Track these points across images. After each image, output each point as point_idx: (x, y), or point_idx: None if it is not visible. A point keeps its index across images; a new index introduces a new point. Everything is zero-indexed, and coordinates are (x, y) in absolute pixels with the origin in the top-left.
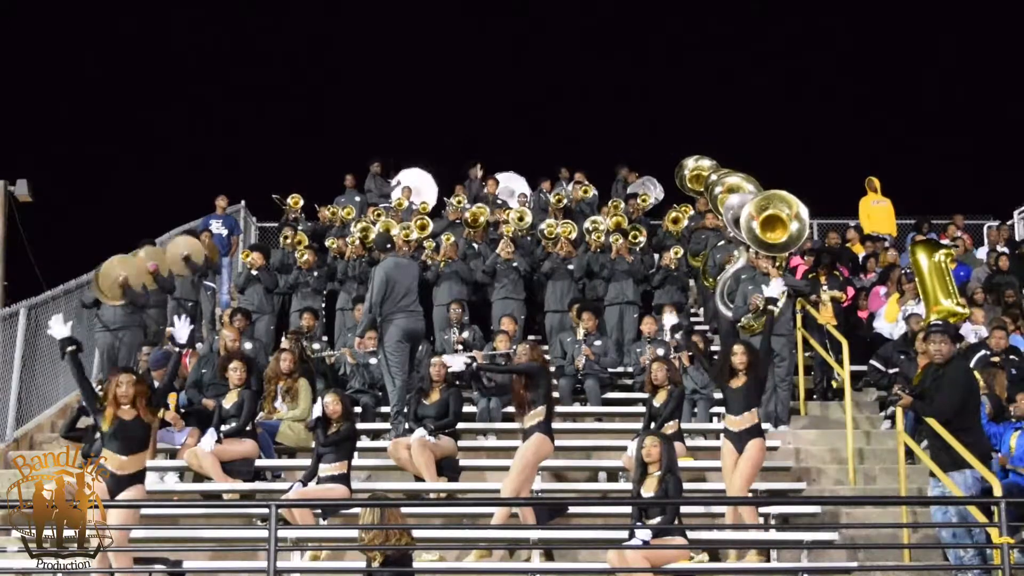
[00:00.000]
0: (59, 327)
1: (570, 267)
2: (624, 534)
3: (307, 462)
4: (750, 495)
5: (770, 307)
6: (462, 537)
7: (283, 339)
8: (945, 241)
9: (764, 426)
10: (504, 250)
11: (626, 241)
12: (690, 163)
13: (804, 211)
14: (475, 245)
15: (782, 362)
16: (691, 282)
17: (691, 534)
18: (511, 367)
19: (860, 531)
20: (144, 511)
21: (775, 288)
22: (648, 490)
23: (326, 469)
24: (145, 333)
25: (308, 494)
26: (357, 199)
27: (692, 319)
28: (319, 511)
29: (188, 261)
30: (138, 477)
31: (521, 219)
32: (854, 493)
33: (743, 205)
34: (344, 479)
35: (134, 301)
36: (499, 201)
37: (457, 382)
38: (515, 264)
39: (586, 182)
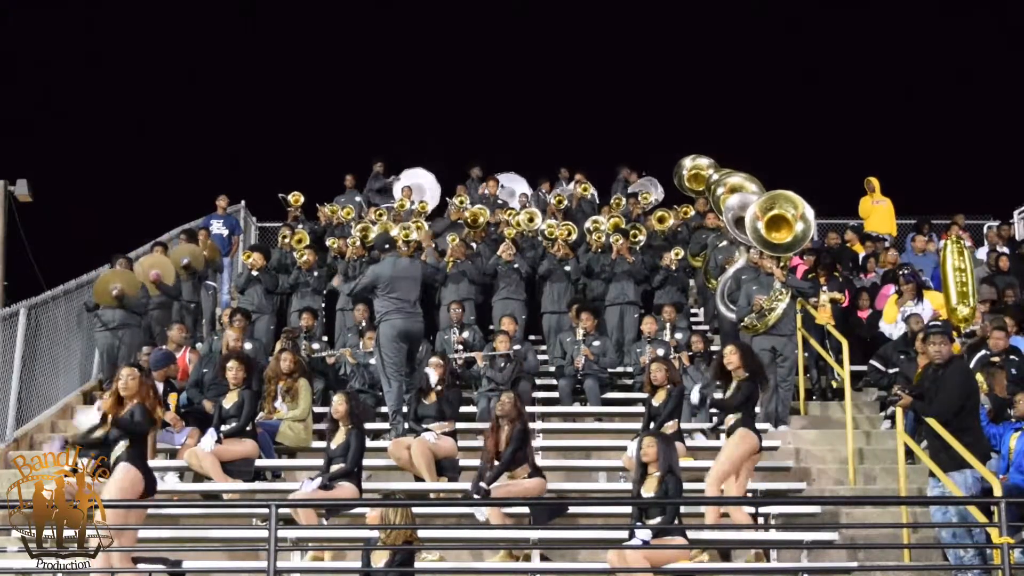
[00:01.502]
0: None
1: (567, 268)
2: (624, 534)
3: (307, 462)
4: (748, 493)
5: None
6: (462, 537)
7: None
8: (944, 242)
9: (764, 426)
10: (505, 251)
11: (626, 241)
12: (688, 163)
13: (810, 211)
14: (474, 245)
15: (784, 362)
16: (691, 282)
17: (691, 534)
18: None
19: (860, 531)
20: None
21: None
22: (648, 490)
23: (337, 470)
24: (151, 333)
25: (316, 493)
26: (357, 199)
27: (692, 319)
28: (323, 511)
29: (188, 268)
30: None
31: (531, 220)
32: (854, 493)
33: (745, 205)
34: (354, 478)
35: (133, 309)
36: (500, 201)
37: (457, 382)
38: (516, 265)
39: (586, 182)
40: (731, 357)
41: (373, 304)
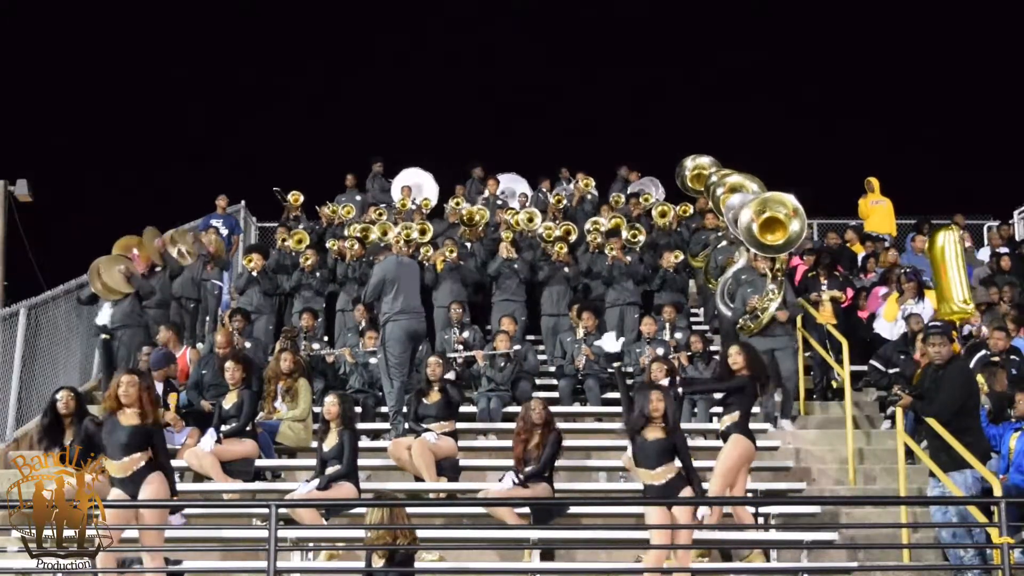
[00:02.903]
0: None
1: (566, 269)
2: (625, 534)
3: (307, 462)
4: (748, 494)
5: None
6: (462, 537)
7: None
8: (941, 233)
9: (764, 426)
10: (506, 251)
11: (622, 241)
12: (689, 163)
13: (800, 207)
14: (468, 245)
15: (783, 362)
16: (691, 282)
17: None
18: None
19: (860, 531)
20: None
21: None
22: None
23: (334, 472)
24: (148, 333)
25: (317, 493)
26: (357, 199)
27: (692, 319)
28: (324, 511)
29: (194, 247)
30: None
31: (531, 220)
32: (854, 493)
33: (743, 206)
34: (353, 478)
35: (141, 288)
36: (499, 201)
37: (459, 381)
38: (516, 267)
39: (588, 179)
40: (736, 357)
41: (375, 304)
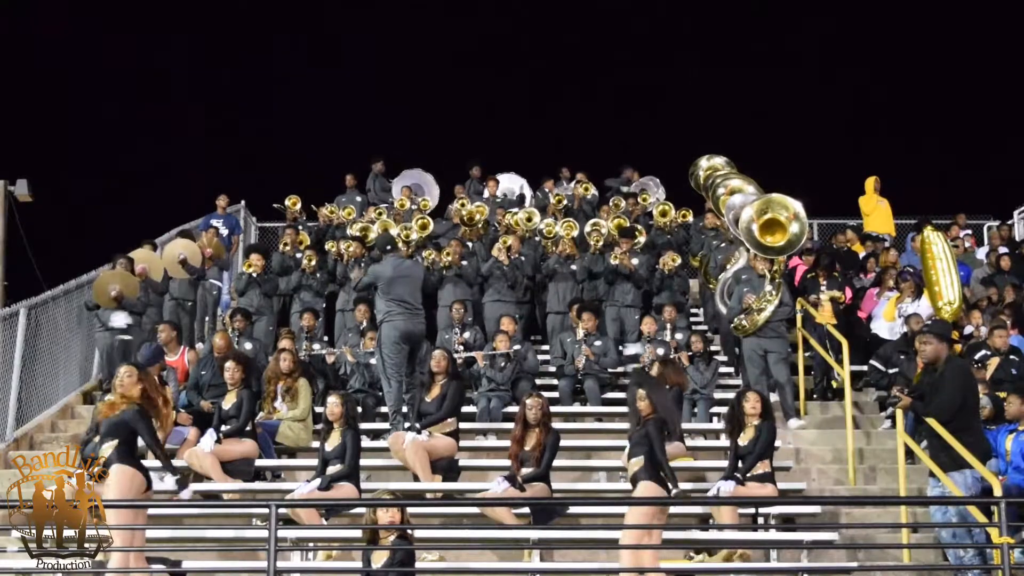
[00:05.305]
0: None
1: (573, 267)
2: (621, 534)
3: (307, 462)
4: None
5: None
6: (461, 537)
7: (280, 339)
8: (925, 232)
9: None
10: (500, 253)
11: (628, 242)
12: (703, 163)
13: (802, 210)
14: (469, 244)
15: (778, 362)
16: (691, 282)
17: (688, 534)
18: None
19: (860, 531)
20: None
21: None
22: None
23: (336, 472)
24: (148, 333)
25: (318, 493)
26: (357, 199)
27: (692, 319)
28: (324, 511)
29: (185, 264)
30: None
31: (530, 220)
32: (854, 493)
33: (744, 206)
34: (353, 479)
35: (132, 310)
36: (499, 201)
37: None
38: (504, 269)
39: (587, 181)
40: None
41: (375, 304)
